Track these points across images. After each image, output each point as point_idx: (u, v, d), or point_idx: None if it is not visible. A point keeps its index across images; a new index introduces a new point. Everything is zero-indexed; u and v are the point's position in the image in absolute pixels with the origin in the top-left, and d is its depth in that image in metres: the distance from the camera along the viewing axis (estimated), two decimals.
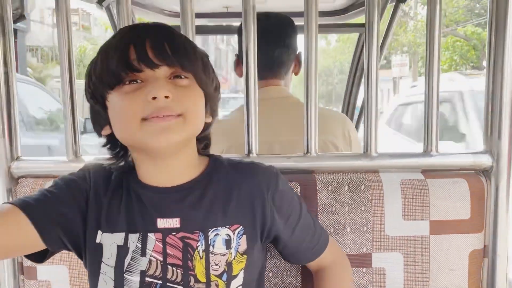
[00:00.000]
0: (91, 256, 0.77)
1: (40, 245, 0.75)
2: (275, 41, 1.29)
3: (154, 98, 0.69)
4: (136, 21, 1.84)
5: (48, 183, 0.97)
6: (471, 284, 1.01)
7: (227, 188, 0.80)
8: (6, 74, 0.98)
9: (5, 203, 0.75)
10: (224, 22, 2.20)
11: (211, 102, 0.80)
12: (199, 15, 1.01)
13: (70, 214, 0.76)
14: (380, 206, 0.98)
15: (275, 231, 0.82)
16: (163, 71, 0.71)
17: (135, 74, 0.70)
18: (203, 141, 0.84)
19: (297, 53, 1.35)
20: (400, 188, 0.98)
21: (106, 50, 0.73)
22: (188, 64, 0.73)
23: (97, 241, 0.76)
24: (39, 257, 0.79)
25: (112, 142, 0.80)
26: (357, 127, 2.35)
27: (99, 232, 0.77)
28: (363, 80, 2.34)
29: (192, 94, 0.74)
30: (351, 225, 0.98)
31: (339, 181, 0.99)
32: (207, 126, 0.81)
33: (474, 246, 1.00)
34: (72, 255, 0.95)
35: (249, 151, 1.01)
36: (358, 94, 2.37)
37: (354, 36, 2.30)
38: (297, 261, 0.91)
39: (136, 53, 0.70)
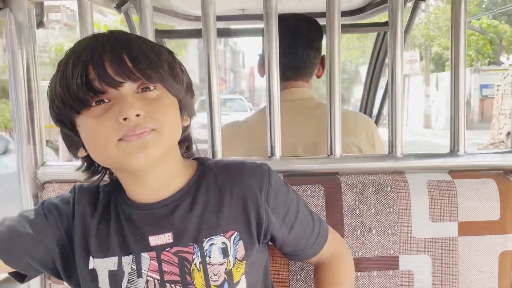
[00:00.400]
0: (85, 282, 0.75)
1: (8, 268, 0.74)
2: (305, 43, 1.29)
3: (125, 119, 0.65)
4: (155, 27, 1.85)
5: None
6: (501, 286, 0.99)
7: (217, 193, 0.76)
8: (29, 80, 0.99)
9: None
10: (239, 24, 2.21)
11: (185, 105, 0.75)
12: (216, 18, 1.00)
13: (43, 243, 0.74)
14: (406, 208, 0.96)
15: (272, 231, 0.78)
16: (129, 87, 0.66)
17: (99, 95, 0.66)
18: (184, 143, 0.81)
19: (322, 55, 1.34)
20: (427, 189, 0.97)
21: (64, 70, 0.67)
22: (153, 74, 0.68)
23: (90, 267, 0.74)
24: (19, 276, 0.77)
25: (91, 162, 0.77)
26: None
27: (90, 258, 0.74)
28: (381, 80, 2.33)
29: (163, 105, 0.69)
30: (377, 227, 0.97)
31: (364, 183, 0.98)
32: (185, 129, 0.78)
33: (504, 248, 0.98)
34: None
35: (272, 153, 1.01)
36: (376, 94, 2.35)
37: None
38: (298, 258, 0.87)
39: (95, 72, 0.65)
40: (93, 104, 0.66)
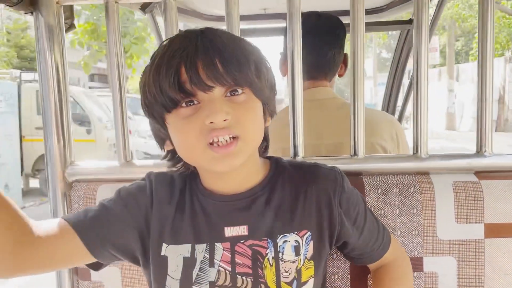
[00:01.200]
0: (156, 269, 0.77)
1: (91, 259, 0.76)
2: (328, 42, 1.27)
3: (211, 122, 0.68)
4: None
5: (101, 187, 1.01)
6: None
7: (292, 193, 0.78)
8: (59, 81, 1.01)
9: (62, 218, 0.77)
10: (261, 24, 2.21)
11: (269, 105, 0.78)
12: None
13: (125, 232, 0.76)
14: (431, 209, 0.95)
15: (344, 234, 0.80)
16: (218, 91, 0.69)
17: (190, 97, 0.69)
18: (263, 143, 0.82)
19: (344, 54, 1.33)
20: (453, 190, 0.95)
21: (157, 68, 0.70)
22: (242, 78, 0.70)
23: (162, 253, 0.76)
24: (95, 265, 0.80)
25: (174, 155, 0.80)
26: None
27: (164, 244, 0.76)
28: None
29: (250, 111, 0.71)
30: (401, 228, 0.96)
31: (388, 184, 0.97)
32: (265, 129, 0.80)
33: None
34: None
35: (295, 154, 1.01)
36: (399, 93, 2.33)
37: None
38: (363, 262, 0.89)
39: (187, 74, 0.67)
40: (183, 104, 0.69)
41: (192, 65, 0.67)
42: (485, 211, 0.95)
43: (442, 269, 0.96)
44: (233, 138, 0.69)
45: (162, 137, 0.77)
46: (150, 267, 0.77)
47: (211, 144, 0.69)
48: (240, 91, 0.71)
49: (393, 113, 2.35)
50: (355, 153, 1.01)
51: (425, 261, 0.96)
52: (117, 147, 1.04)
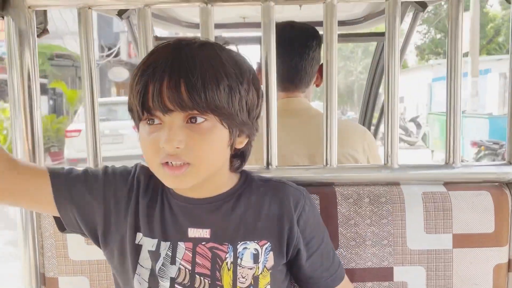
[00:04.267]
0: (127, 255, 0.80)
1: (53, 211, 0.79)
2: (300, 53, 1.27)
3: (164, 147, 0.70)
4: (154, 34, 1.86)
5: None
6: None
7: (257, 204, 0.81)
8: (30, 87, 0.99)
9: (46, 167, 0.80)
10: (240, 32, 2.21)
11: (244, 127, 0.77)
12: (216, 26, 1.01)
13: (93, 203, 0.79)
14: (401, 219, 0.97)
15: (298, 250, 0.82)
16: (177, 115, 0.70)
17: (150, 116, 0.71)
18: (236, 161, 0.83)
19: (320, 64, 1.33)
20: (422, 201, 0.97)
21: (133, 77, 0.72)
22: (207, 105, 0.69)
23: (137, 242, 0.79)
24: (59, 224, 0.83)
25: None
26: (375, 136, 2.32)
27: (139, 234, 0.79)
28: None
29: (206, 140, 0.71)
30: (372, 238, 0.97)
31: (359, 194, 0.98)
32: (244, 147, 0.81)
33: (499, 260, 0.98)
34: (93, 267, 0.97)
35: (268, 163, 1.01)
36: (376, 104, 2.36)
37: None
38: (308, 286, 0.88)
39: (151, 93, 0.69)
40: (148, 121, 0.72)
41: (157, 85, 0.69)
42: (453, 221, 0.97)
43: (411, 279, 0.97)
44: (185, 163, 0.71)
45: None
46: (113, 250, 0.81)
47: (166, 163, 0.72)
48: (201, 119, 0.70)
49: (369, 125, 2.38)
50: (327, 163, 1.01)
51: (395, 271, 0.97)
52: (88, 153, 1.02)
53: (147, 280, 0.78)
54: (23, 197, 0.78)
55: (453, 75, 0.99)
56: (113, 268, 0.84)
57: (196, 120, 0.70)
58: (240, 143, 0.79)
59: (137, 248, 0.79)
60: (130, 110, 0.76)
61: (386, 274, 0.97)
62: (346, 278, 0.90)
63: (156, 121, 0.71)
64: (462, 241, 0.97)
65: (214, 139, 0.72)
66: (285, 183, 0.85)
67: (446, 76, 0.99)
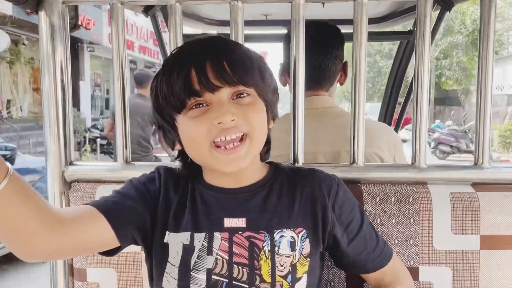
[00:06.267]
0: (157, 256, 0.80)
1: (114, 244, 0.77)
2: (323, 52, 1.28)
3: (220, 122, 0.72)
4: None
5: (100, 188, 1.01)
6: None
7: (290, 192, 0.82)
8: (63, 81, 1.02)
9: (84, 203, 0.78)
10: (262, 30, 2.22)
11: (271, 108, 0.81)
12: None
13: (141, 212, 0.79)
14: (428, 219, 0.96)
15: (334, 237, 0.82)
16: (226, 92, 0.73)
17: (199, 98, 0.73)
18: (265, 146, 0.84)
19: (344, 62, 1.33)
20: (450, 201, 0.96)
21: (169, 71, 0.74)
22: (248, 80, 0.74)
23: (164, 241, 0.80)
24: (109, 251, 0.80)
25: (184, 156, 0.83)
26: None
27: (167, 232, 0.80)
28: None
29: (256, 111, 0.76)
30: (398, 237, 0.96)
31: (386, 193, 0.98)
32: (268, 132, 0.83)
33: None
34: (121, 258, 0.98)
35: (295, 160, 1.01)
36: (397, 104, 2.34)
37: None
38: (355, 270, 0.89)
39: (196, 75, 0.72)
40: (193, 106, 0.74)
41: (201, 66, 0.72)
42: (481, 223, 0.96)
43: (437, 279, 0.97)
44: (240, 140, 0.73)
45: (172, 139, 0.81)
46: (152, 253, 0.81)
47: (218, 147, 0.73)
48: (245, 93, 0.75)
49: (389, 124, 2.36)
50: (354, 161, 1.01)
51: (421, 271, 0.97)
52: (117, 148, 1.04)
53: (176, 278, 0.77)
54: (87, 244, 0.75)
55: (483, 77, 0.98)
56: (151, 266, 0.83)
57: (241, 95, 0.74)
58: (270, 124, 0.82)
59: (165, 247, 0.79)
60: (164, 106, 0.75)
61: (411, 273, 0.96)
62: (394, 255, 0.89)
63: (203, 104, 0.73)
64: (490, 242, 0.96)
65: (260, 109, 0.77)
66: (316, 171, 0.85)
67: (477, 80, 0.99)
